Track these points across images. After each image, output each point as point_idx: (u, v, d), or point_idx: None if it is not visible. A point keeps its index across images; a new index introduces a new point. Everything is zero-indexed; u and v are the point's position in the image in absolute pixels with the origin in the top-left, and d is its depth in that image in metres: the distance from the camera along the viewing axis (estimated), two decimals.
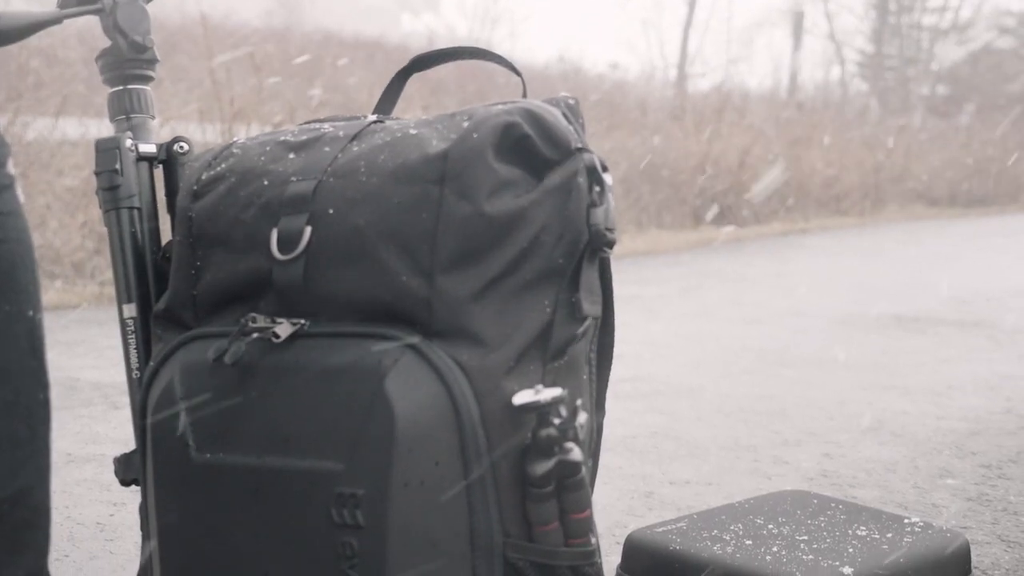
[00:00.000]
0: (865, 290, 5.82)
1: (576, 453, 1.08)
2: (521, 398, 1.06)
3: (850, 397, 3.29)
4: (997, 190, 13.88)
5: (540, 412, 1.06)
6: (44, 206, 5.77)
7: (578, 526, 1.10)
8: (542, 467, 1.07)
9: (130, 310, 1.29)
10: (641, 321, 4.70)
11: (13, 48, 6.15)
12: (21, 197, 1.03)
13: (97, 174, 1.30)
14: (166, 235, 1.29)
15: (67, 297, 5.11)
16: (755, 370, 3.72)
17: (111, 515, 2.09)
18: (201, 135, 6.47)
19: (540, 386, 1.07)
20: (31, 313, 1.01)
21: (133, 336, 1.28)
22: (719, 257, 7.58)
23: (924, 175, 13.32)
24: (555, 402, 1.06)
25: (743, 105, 12.74)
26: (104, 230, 1.32)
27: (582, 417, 1.09)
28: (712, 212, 9.93)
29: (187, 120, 6.85)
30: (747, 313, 5.02)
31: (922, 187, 13.25)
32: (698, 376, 3.60)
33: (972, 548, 1.73)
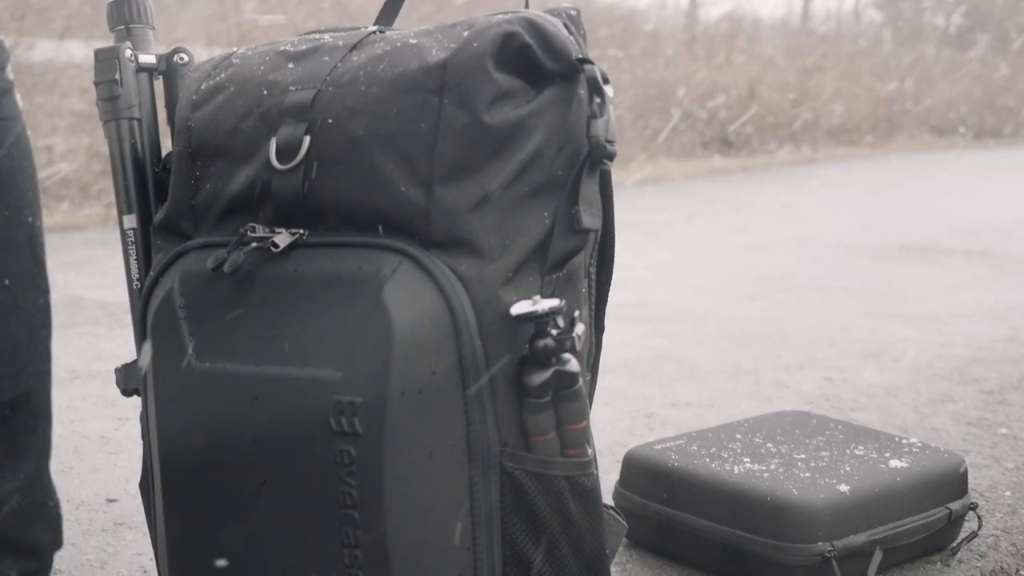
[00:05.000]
0: (872, 219, 5.80)
1: (573, 364, 1.09)
2: (519, 308, 1.06)
3: (853, 323, 3.29)
4: (1009, 122, 13.78)
5: (538, 322, 1.06)
6: (50, 128, 5.75)
7: (574, 436, 1.11)
8: (539, 377, 1.07)
9: (130, 221, 1.29)
10: (647, 247, 4.69)
11: None
12: (20, 103, 1.03)
13: (96, 84, 1.29)
14: (167, 148, 1.29)
15: (73, 219, 5.11)
16: (759, 296, 3.72)
17: (115, 429, 2.11)
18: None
19: (538, 297, 1.07)
20: (31, 219, 1.01)
21: (133, 246, 1.29)
22: (727, 185, 7.54)
23: (936, 106, 13.22)
24: (553, 313, 1.06)
25: (754, 34, 12.62)
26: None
27: (579, 328, 1.10)
28: (721, 140, 9.87)
29: (193, 43, 6.80)
30: (753, 240, 5.01)
31: (933, 118, 13.15)
32: (702, 301, 3.60)
33: (970, 471, 1.74)
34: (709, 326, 3.24)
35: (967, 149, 11.67)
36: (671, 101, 9.67)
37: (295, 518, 1.10)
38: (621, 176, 7.17)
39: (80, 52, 6.42)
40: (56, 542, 1.08)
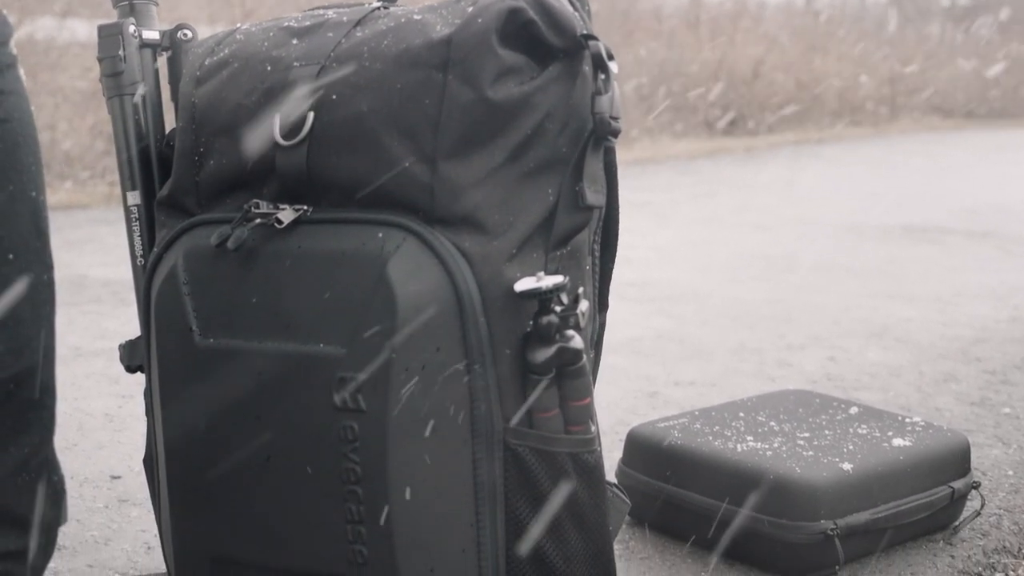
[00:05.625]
0: (876, 200, 5.79)
1: (577, 341, 1.09)
2: (523, 285, 1.06)
3: (856, 303, 3.29)
4: (1015, 103, 13.73)
5: (541, 299, 1.06)
6: (53, 107, 5.75)
7: (578, 413, 1.11)
8: (543, 354, 1.07)
9: (134, 197, 1.29)
10: (650, 227, 4.69)
11: None
12: (23, 77, 1.03)
13: (100, 60, 1.29)
14: (171, 124, 1.29)
15: (77, 197, 5.11)
16: (762, 276, 3.72)
17: (119, 407, 2.11)
18: None
19: (542, 273, 1.07)
20: (34, 194, 1.01)
21: (137, 223, 1.29)
22: (730, 165, 7.53)
23: (940, 87, 13.18)
24: (556, 289, 1.06)
25: (759, 13, 12.57)
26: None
27: (583, 305, 1.10)
28: (725, 121, 9.85)
29: (197, 23, 6.77)
30: (756, 220, 5.00)
31: (939, 99, 13.12)
32: (705, 281, 3.60)
33: (973, 449, 1.75)
34: (712, 306, 3.24)
35: (972, 130, 11.64)
36: (675, 82, 9.64)
37: (299, 494, 1.11)
38: (625, 156, 7.14)
39: (83, 30, 6.40)
40: (60, 517, 1.08)
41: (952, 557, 1.55)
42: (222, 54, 1.21)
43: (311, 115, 1.11)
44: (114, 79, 1.29)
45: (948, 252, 4.27)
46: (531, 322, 1.08)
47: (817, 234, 4.64)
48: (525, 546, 1.11)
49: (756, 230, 4.74)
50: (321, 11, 1.23)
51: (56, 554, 1.45)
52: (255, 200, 1.12)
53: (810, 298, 3.35)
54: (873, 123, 11.54)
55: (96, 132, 5.78)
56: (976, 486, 1.63)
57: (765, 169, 7.36)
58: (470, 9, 1.09)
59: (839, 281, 3.64)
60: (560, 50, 1.10)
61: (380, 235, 1.07)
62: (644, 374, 2.47)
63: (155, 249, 1.19)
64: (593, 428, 1.13)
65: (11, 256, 0.98)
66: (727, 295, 3.39)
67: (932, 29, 16.15)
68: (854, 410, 1.71)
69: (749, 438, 1.57)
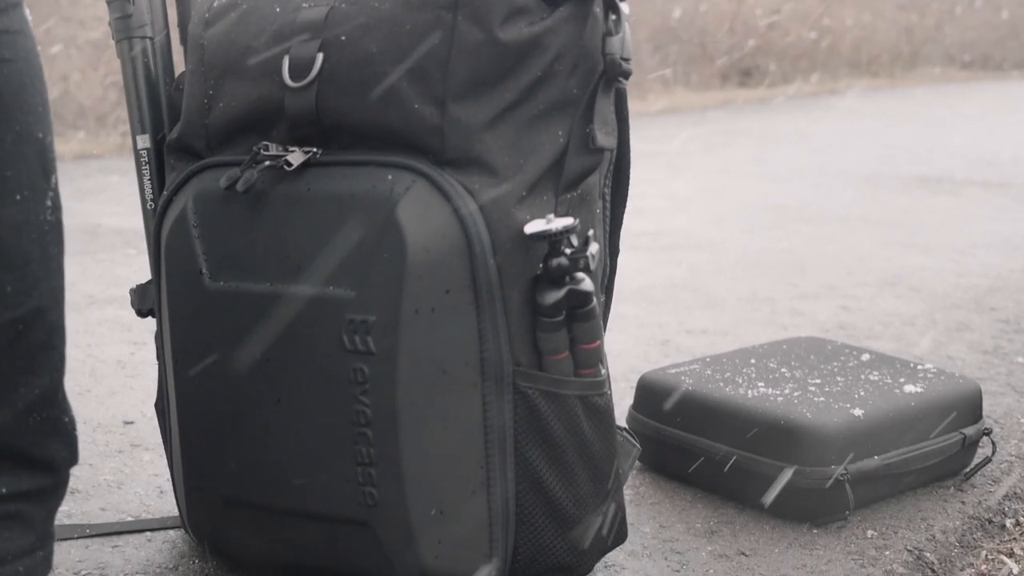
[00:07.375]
0: (891, 151, 5.75)
1: (587, 283, 1.08)
2: (532, 227, 1.06)
3: (870, 253, 3.28)
4: None
5: (551, 241, 1.06)
6: (65, 57, 5.73)
7: (588, 356, 1.11)
8: (552, 296, 1.07)
9: (143, 141, 1.28)
10: (664, 177, 4.67)
11: None
12: (29, 17, 1.02)
13: (108, 2, 1.28)
14: (180, 67, 1.29)
15: (89, 147, 5.10)
16: (776, 226, 3.70)
17: (132, 353, 2.11)
18: None
19: (552, 216, 1.07)
20: (41, 135, 1.00)
21: (147, 167, 1.28)
22: (745, 116, 7.48)
23: (958, 37, 13.06)
24: (566, 231, 1.05)
25: None
26: None
27: (593, 248, 1.09)
28: (740, 71, 9.78)
29: None
30: (770, 171, 4.97)
31: (956, 50, 13.01)
32: (718, 230, 3.58)
33: (985, 397, 1.74)
34: (725, 255, 3.23)
35: (989, 80, 11.55)
36: (690, 31, 9.57)
37: (309, 437, 1.11)
38: (639, 107, 7.12)
39: None
40: (72, 458, 1.08)
41: (963, 503, 1.55)
42: None
43: (320, 56, 1.10)
44: (123, 21, 1.28)
45: (964, 202, 4.24)
46: (541, 264, 1.07)
47: (832, 184, 4.62)
48: (534, 488, 1.11)
49: (770, 180, 4.71)
50: None
51: (69, 497, 1.46)
52: (264, 142, 1.12)
53: (824, 248, 3.34)
54: (889, 74, 11.45)
55: (108, 83, 5.76)
56: (988, 433, 1.63)
57: (780, 119, 7.31)
58: None
59: (853, 231, 3.63)
60: None
61: (390, 177, 1.06)
62: (656, 322, 2.47)
63: (165, 192, 1.19)
64: (603, 371, 1.13)
65: (18, 197, 0.98)
66: (740, 244, 3.38)
67: None
68: (866, 357, 1.71)
69: (760, 384, 1.57)
